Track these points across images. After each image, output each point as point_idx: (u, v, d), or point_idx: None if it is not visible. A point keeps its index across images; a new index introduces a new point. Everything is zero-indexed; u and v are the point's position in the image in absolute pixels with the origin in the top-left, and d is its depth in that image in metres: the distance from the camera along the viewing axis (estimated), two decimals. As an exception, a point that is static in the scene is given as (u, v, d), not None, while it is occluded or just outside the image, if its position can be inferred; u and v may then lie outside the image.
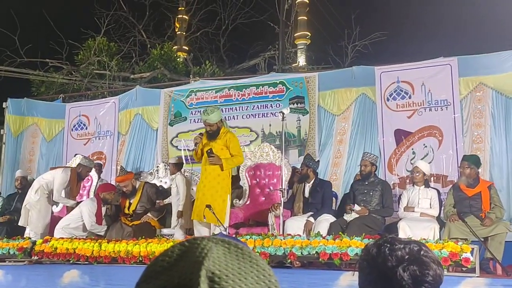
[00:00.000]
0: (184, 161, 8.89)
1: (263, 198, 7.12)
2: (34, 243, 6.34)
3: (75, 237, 6.49)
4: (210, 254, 0.70)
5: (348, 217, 6.14)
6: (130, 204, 7.20)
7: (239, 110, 8.90)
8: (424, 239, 4.79)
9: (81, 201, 7.61)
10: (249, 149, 8.26)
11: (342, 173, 8.12)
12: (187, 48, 19.01)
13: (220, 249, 0.72)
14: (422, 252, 1.29)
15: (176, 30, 18.58)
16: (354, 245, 4.76)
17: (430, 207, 6.08)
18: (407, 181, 7.48)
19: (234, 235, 5.84)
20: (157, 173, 8.24)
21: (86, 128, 9.99)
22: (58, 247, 6.09)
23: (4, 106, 10.48)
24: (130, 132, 9.68)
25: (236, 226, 6.54)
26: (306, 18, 24.95)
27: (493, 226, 5.54)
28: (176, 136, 9.31)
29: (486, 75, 7.55)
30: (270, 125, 8.68)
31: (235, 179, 6.88)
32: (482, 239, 5.43)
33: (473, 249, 4.51)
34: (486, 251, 5.39)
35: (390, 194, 6.49)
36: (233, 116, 8.83)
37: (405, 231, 5.56)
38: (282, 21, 13.83)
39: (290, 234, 5.38)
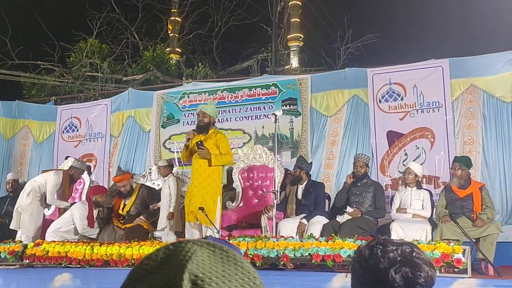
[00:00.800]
0: (177, 163, 8.90)
1: (256, 200, 7.11)
2: (25, 246, 6.30)
3: (66, 240, 6.45)
4: (194, 257, 0.69)
5: (340, 219, 6.14)
6: (124, 205, 7.17)
7: (232, 112, 8.90)
8: (417, 240, 4.81)
9: (74, 203, 7.59)
10: (242, 151, 8.26)
11: (334, 174, 8.15)
12: (179, 50, 18.98)
13: (204, 252, 0.71)
14: (414, 254, 1.29)
15: (169, 32, 18.56)
16: (347, 247, 4.77)
17: (422, 208, 6.10)
18: (400, 182, 7.50)
19: (227, 238, 5.83)
20: (150, 175, 8.22)
21: (77, 130, 9.95)
22: (50, 250, 6.06)
23: (-5, 108, 10.41)
24: (122, 134, 9.66)
25: (229, 228, 6.52)
26: (299, 20, 24.95)
27: (484, 227, 5.56)
28: (169, 138, 9.31)
29: (477, 77, 7.61)
30: (263, 127, 8.69)
31: (228, 181, 6.89)
32: (474, 240, 5.46)
33: (464, 250, 4.52)
34: (477, 252, 5.41)
35: (383, 196, 6.50)
36: (226, 118, 8.84)
37: (397, 232, 5.57)
38: (275, 23, 13.85)
39: (283, 236, 5.38)
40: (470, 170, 6.16)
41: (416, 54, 9.46)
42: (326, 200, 6.86)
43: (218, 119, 7.39)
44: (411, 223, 5.80)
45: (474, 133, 7.50)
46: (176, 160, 9.02)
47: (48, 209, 8.09)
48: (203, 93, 9.32)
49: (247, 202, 7.11)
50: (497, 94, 7.45)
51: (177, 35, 19.26)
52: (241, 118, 8.89)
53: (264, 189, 6.94)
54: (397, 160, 7.80)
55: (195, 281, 0.66)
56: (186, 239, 0.75)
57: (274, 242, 5.12)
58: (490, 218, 5.76)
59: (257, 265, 5.04)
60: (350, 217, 6.12)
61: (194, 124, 9.08)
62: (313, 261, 4.85)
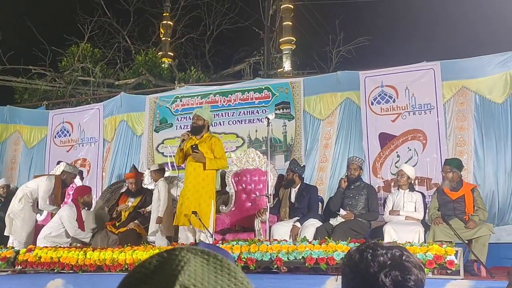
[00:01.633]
0: (170, 168, 8.89)
1: (249, 204, 7.11)
2: (17, 252, 6.26)
3: (59, 245, 6.42)
4: (186, 267, 0.68)
5: (334, 222, 6.16)
6: (128, 204, 7.18)
7: (225, 116, 8.89)
8: (409, 242, 4.82)
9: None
10: (235, 155, 8.26)
11: (327, 177, 8.15)
12: (171, 54, 18.97)
13: (198, 261, 0.71)
14: (404, 257, 1.29)
15: (161, 36, 18.54)
16: (340, 250, 4.77)
17: (415, 211, 6.13)
18: (392, 184, 7.53)
19: (220, 241, 5.82)
20: (143, 179, 8.19)
21: (70, 135, 9.91)
22: (42, 256, 6.02)
23: (-14, 114, 10.35)
24: (115, 138, 9.63)
25: (223, 232, 6.51)
26: (291, 23, 24.99)
27: (476, 229, 5.59)
28: (162, 143, 9.29)
29: (469, 79, 7.65)
30: (256, 131, 8.69)
31: (221, 185, 6.89)
32: (466, 242, 5.48)
33: (457, 251, 4.54)
34: (470, 253, 5.44)
35: (376, 198, 6.52)
36: (219, 122, 8.82)
37: (390, 234, 5.59)
38: (267, 26, 13.88)
39: (276, 240, 5.37)
40: (462, 172, 6.19)
41: (408, 57, 9.53)
42: (319, 203, 6.87)
43: (212, 123, 7.39)
44: (404, 225, 5.82)
45: (466, 135, 7.54)
46: (169, 164, 9.01)
47: (41, 215, 8.06)
48: (195, 97, 9.31)
49: (240, 206, 7.10)
50: (489, 96, 7.49)
51: (169, 39, 19.26)
52: (234, 122, 8.89)
53: (257, 193, 6.93)
54: (389, 162, 7.82)
55: None
56: (181, 247, 0.74)
57: (267, 245, 5.11)
58: (482, 219, 5.79)
59: (250, 268, 5.04)
60: (344, 220, 6.13)
61: (187, 128, 9.09)
62: (306, 264, 4.85)
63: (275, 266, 5.05)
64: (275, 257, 4.99)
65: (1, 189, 8.47)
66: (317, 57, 14.00)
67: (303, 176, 6.90)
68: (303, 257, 4.89)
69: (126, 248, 5.78)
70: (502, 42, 9.46)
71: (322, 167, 8.25)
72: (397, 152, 7.81)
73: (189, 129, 6.19)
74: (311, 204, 6.54)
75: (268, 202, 5.90)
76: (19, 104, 11.78)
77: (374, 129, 7.99)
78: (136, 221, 6.94)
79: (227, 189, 7.25)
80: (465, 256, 5.30)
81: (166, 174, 8.56)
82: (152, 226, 6.86)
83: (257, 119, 8.70)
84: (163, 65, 14.38)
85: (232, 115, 8.92)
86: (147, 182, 7.76)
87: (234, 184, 7.22)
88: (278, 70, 17.54)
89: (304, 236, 5.39)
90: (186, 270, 0.68)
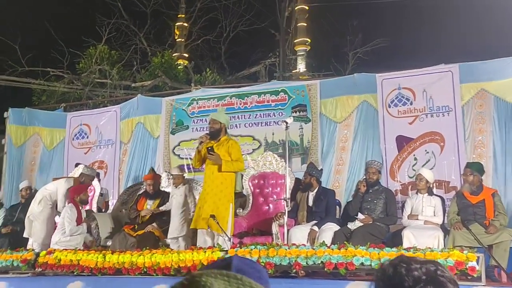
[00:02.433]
0: (186, 170, 8.92)
1: (267, 207, 7.11)
2: (37, 254, 6.31)
3: (72, 248, 6.45)
4: None
5: (352, 226, 6.13)
6: (147, 207, 7.23)
7: (242, 118, 8.89)
8: (429, 247, 4.78)
9: (87, 210, 7.65)
10: (251, 158, 8.26)
11: (344, 180, 8.11)
12: (186, 56, 19.04)
13: (221, 284, 0.71)
14: (438, 272, 1.28)
15: (176, 38, 18.62)
16: (359, 255, 4.75)
17: (434, 215, 6.08)
18: (409, 187, 7.48)
19: (238, 245, 5.83)
20: (161, 182, 8.22)
21: (87, 137, 9.99)
22: (62, 258, 6.06)
23: (5, 115, 10.46)
24: (132, 141, 9.68)
25: (240, 235, 6.52)
26: (305, 24, 24.97)
27: (497, 234, 5.53)
28: (178, 145, 9.31)
29: (488, 81, 7.56)
30: (273, 134, 8.68)
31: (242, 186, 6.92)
32: (487, 247, 5.43)
33: (478, 257, 4.49)
34: (490, 259, 5.38)
35: (394, 202, 6.49)
36: (236, 124, 8.82)
37: (409, 239, 5.55)
38: (283, 28, 13.87)
39: (295, 244, 5.36)
40: (482, 176, 6.12)
41: (425, 59, 9.44)
42: (337, 206, 6.85)
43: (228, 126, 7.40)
44: (423, 230, 5.78)
45: (485, 138, 7.46)
46: (185, 166, 9.04)
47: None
48: (211, 99, 9.33)
49: (258, 209, 7.10)
50: (508, 98, 7.41)
51: (183, 40, 19.33)
52: (250, 125, 8.88)
53: (275, 196, 6.93)
54: (407, 165, 7.77)
55: None
56: (199, 272, 0.74)
57: (286, 250, 5.10)
58: (503, 224, 5.74)
59: (269, 272, 5.03)
60: (362, 224, 6.11)
61: (203, 130, 9.12)
62: (325, 269, 4.83)
63: (294, 270, 5.04)
64: (293, 261, 4.97)
65: (24, 191, 8.57)
66: (333, 59, 13.96)
67: (320, 179, 6.88)
68: (322, 261, 4.87)
69: (144, 251, 5.81)
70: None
71: (338, 170, 8.22)
72: (414, 155, 7.75)
73: (207, 133, 6.21)
74: (329, 208, 6.53)
75: (286, 206, 5.89)
76: (37, 106, 11.89)
77: (391, 132, 7.94)
78: (154, 224, 6.97)
79: (244, 192, 7.26)
80: (485, 262, 5.24)
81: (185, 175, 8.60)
82: (175, 230, 6.85)
83: (274, 121, 8.69)
84: (179, 67, 14.43)
85: (249, 118, 8.92)
86: (164, 185, 7.79)
87: (252, 188, 7.23)
88: (293, 71, 17.52)
89: (323, 241, 5.37)
90: None
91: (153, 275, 5.59)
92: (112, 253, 5.92)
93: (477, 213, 5.81)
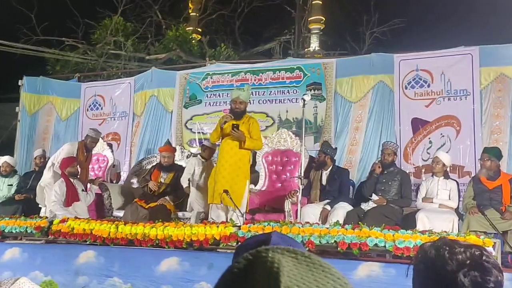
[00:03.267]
0: (198, 144, 8.92)
1: (279, 185, 7.10)
2: (51, 222, 6.36)
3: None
4: (282, 269, 0.65)
5: (365, 206, 6.12)
6: (161, 181, 7.20)
7: (256, 95, 8.82)
8: (445, 231, 4.76)
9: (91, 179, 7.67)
10: (265, 135, 8.23)
11: (357, 160, 8.07)
12: (200, 30, 18.91)
13: (289, 260, 0.68)
14: (484, 257, 1.25)
15: (191, 12, 18.47)
16: (374, 236, 4.73)
17: (449, 199, 6.04)
18: (423, 170, 7.44)
19: (251, 221, 5.84)
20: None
21: (102, 109, 9.98)
22: (75, 227, 6.10)
23: (19, 83, 10.46)
24: (145, 113, 9.66)
25: (252, 211, 6.52)
26: (320, 2, 24.60)
27: (513, 220, 5.51)
28: (191, 119, 9.29)
29: (508, 65, 7.46)
30: (287, 111, 8.62)
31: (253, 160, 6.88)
32: (502, 233, 5.40)
33: (495, 243, 4.47)
34: (504, 244, 5.36)
35: (409, 184, 6.45)
36: (250, 100, 8.72)
37: (423, 222, 5.53)
38: (299, 5, 13.69)
39: (308, 222, 5.36)
40: (499, 162, 6.07)
41: (444, 41, 9.29)
42: (351, 186, 6.83)
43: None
44: (437, 213, 5.75)
45: (502, 123, 7.37)
46: (197, 141, 9.04)
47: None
48: (226, 74, 9.26)
49: (271, 186, 7.10)
50: (527, 84, 7.30)
51: (197, 14, 19.17)
52: (264, 102, 8.82)
53: (288, 174, 6.91)
54: (421, 148, 7.71)
55: None
56: (265, 247, 0.71)
57: (299, 228, 5.10)
58: (519, 211, 5.70)
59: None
60: (375, 205, 6.09)
61: (216, 105, 9.11)
62: (339, 248, 4.83)
63: (306, 249, 5.04)
64: (307, 240, 4.97)
65: (38, 159, 8.62)
66: (349, 37, 13.79)
67: (334, 158, 6.85)
68: (335, 241, 4.86)
69: (157, 223, 5.83)
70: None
71: (352, 150, 8.18)
72: (429, 138, 7.68)
73: (231, 113, 6.17)
74: (342, 187, 6.51)
75: (300, 184, 5.88)
76: (51, 76, 11.87)
77: (407, 114, 7.87)
78: (166, 197, 6.98)
79: (257, 168, 7.25)
80: (500, 248, 5.23)
81: (193, 150, 8.60)
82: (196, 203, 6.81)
83: (288, 99, 8.63)
84: (193, 41, 14.33)
85: (263, 94, 8.86)
86: (178, 158, 7.78)
87: (265, 164, 7.21)
88: (306, 49, 17.36)
89: (337, 220, 5.36)
90: (283, 271, 0.65)
91: (165, 247, 5.61)
92: (124, 224, 5.94)
93: (493, 199, 5.77)
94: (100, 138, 8.06)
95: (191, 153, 8.12)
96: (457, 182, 6.30)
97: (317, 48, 20.70)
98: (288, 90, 8.71)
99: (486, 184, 5.87)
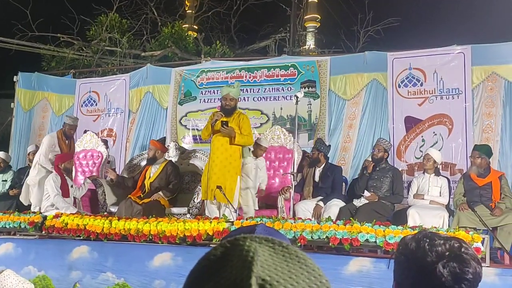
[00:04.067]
0: (192, 141, 8.94)
1: (273, 181, 7.15)
2: (45, 217, 6.39)
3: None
4: (256, 257, 0.65)
5: (357, 203, 6.17)
6: (150, 175, 7.23)
7: (250, 92, 8.87)
8: (435, 227, 4.82)
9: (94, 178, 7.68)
10: (259, 132, 8.27)
11: (351, 158, 8.13)
12: (196, 27, 18.90)
13: (265, 250, 0.67)
14: (462, 249, 1.29)
15: (186, 9, 18.45)
16: (365, 231, 4.78)
17: (440, 195, 6.10)
18: (416, 168, 7.50)
19: (243, 216, 5.87)
20: (168, 152, 8.23)
21: (96, 105, 9.99)
22: (69, 222, 6.14)
23: (15, 79, 10.46)
24: (140, 110, 9.68)
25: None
26: (316, 0, 24.64)
27: (502, 216, 5.56)
28: (185, 115, 9.32)
29: (500, 64, 7.52)
30: (281, 109, 8.67)
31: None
32: (491, 229, 5.46)
33: (483, 239, 4.53)
34: (494, 240, 5.42)
35: (401, 181, 6.51)
36: (244, 98, 8.79)
37: (414, 218, 5.59)
38: (295, 3, 13.71)
39: (300, 218, 5.41)
40: (489, 159, 6.13)
41: (437, 40, 9.34)
42: (343, 183, 6.88)
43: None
44: (428, 209, 5.81)
45: (493, 121, 7.44)
46: (191, 137, 9.07)
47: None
48: (221, 71, 9.29)
49: (264, 183, 7.12)
50: (519, 82, 7.36)
51: (193, 12, 19.15)
52: (259, 99, 8.86)
53: (282, 170, 6.95)
54: (414, 146, 7.78)
55: (263, 286, 0.62)
56: (243, 236, 0.70)
57: (291, 223, 5.15)
58: (509, 207, 5.76)
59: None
60: (367, 201, 6.15)
61: (211, 101, 9.14)
62: (330, 244, 4.88)
63: (299, 244, 5.09)
64: (299, 235, 5.02)
65: (31, 155, 8.60)
66: (343, 36, 13.83)
67: (328, 155, 6.90)
68: (327, 236, 4.91)
69: (150, 219, 5.87)
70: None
71: (345, 147, 8.23)
72: (422, 136, 7.75)
73: (221, 110, 6.20)
74: (335, 184, 6.56)
75: (293, 180, 5.93)
76: (47, 72, 11.86)
77: (400, 112, 7.93)
78: (160, 193, 7.01)
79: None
80: (489, 244, 5.29)
81: (187, 147, 8.61)
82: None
83: (282, 96, 8.67)
84: (188, 38, 14.33)
85: (257, 92, 8.90)
86: (172, 155, 7.79)
87: (259, 161, 7.23)
88: (302, 47, 17.39)
89: (329, 216, 5.41)
90: (257, 260, 0.64)
91: (158, 243, 5.65)
92: (118, 220, 5.98)
93: (483, 195, 5.84)
94: (95, 134, 8.06)
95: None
96: (448, 179, 6.37)
97: (312, 46, 20.72)
98: (282, 88, 8.75)
99: (476, 181, 5.94)
